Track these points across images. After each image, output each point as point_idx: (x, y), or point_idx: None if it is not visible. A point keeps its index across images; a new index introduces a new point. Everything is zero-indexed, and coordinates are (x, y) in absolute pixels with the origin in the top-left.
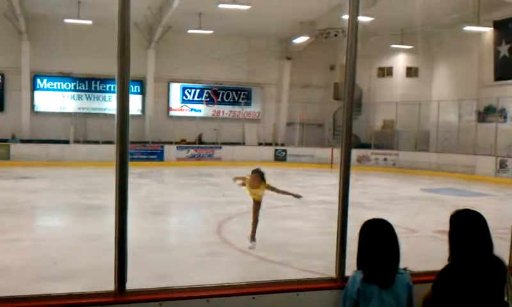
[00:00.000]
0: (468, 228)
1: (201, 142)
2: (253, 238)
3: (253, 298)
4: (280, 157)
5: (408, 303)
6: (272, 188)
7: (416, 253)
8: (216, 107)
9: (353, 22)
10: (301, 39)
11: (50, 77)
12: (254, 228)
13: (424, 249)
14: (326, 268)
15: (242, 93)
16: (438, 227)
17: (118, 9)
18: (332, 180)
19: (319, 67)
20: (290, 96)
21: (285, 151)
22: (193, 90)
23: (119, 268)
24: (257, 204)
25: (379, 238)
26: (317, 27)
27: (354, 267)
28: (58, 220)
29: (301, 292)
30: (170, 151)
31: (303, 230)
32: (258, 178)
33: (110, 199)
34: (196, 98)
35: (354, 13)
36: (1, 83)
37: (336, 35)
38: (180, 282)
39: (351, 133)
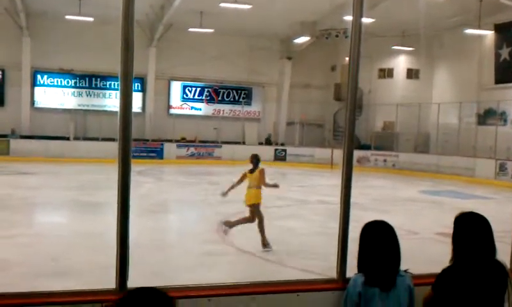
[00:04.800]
0: (472, 231)
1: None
2: (265, 243)
3: (253, 298)
4: (279, 157)
5: (409, 306)
6: (263, 176)
7: (417, 255)
8: (217, 106)
9: (357, 23)
10: (302, 40)
11: (51, 73)
12: (263, 232)
13: (424, 251)
14: (325, 268)
15: (243, 92)
16: (438, 229)
17: (122, 7)
18: (332, 181)
19: (319, 67)
20: (290, 96)
21: (284, 151)
22: (194, 88)
23: (120, 266)
24: (256, 208)
25: (380, 241)
26: (318, 27)
27: (354, 268)
28: (57, 217)
29: (302, 293)
30: (170, 149)
31: (302, 230)
32: (254, 158)
33: (109, 196)
34: (196, 97)
35: (358, 14)
36: (1, 79)
37: (337, 36)
38: (178, 281)
39: (353, 133)
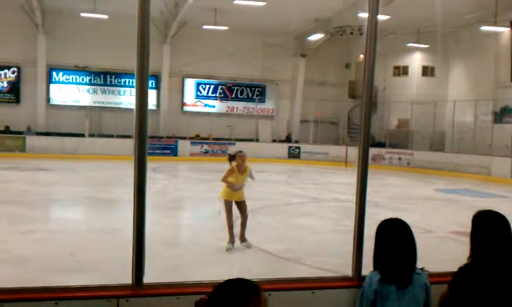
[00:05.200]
0: (490, 229)
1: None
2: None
3: (269, 294)
4: (293, 154)
5: (426, 304)
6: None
7: (432, 253)
8: (230, 103)
9: (373, 20)
10: (316, 37)
11: (66, 70)
12: (231, 230)
13: (439, 250)
14: (341, 266)
15: (257, 89)
16: (453, 228)
17: (137, 5)
18: (346, 178)
19: (333, 65)
20: (304, 93)
21: (298, 148)
22: (207, 86)
23: (137, 262)
24: (231, 205)
25: (396, 238)
26: (332, 24)
27: (369, 266)
28: (73, 213)
29: (317, 290)
30: (184, 146)
31: (317, 228)
32: (244, 156)
33: (124, 193)
34: (210, 94)
35: (374, 11)
36: (17, 76)
37: (352, 33)
38: (192, 277)
39: (369, 131)
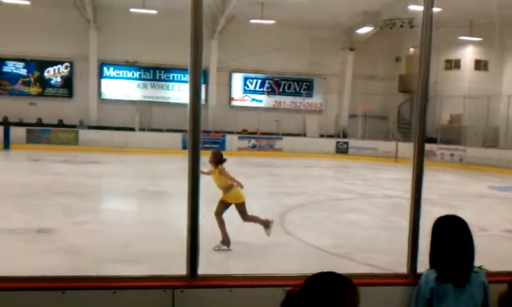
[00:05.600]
0: None
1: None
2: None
3: None
4: (341, 149)
5: (484, 303)
6: (225, 175)
7: (488, 252)
8: (278, 98)
9: (428, 13)
10: (364, 30)
11: (116, 65)
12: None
13: (495, 248)
14: (389, 263)
15: (304, 83)
16: (507, 226)
17: (190, 2)
18: (396, 174)
19: (383, 58)
20: (352, 87)
21: (346, 143)
22: (255, 80)
23: (191, 254)
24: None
25: (453, 236)
26: (381, 17)
27: (423, 264)
28: (123, 205)
29: (371, 287)
30: (232, 140)
31: (365, 224)
32: (212, 156)
33: (173, 186)
34: (257, 89)
35: (429, 3)
36: (70, 71)
37: (402, 26)
38: (239, 271)
39: (424, 126)
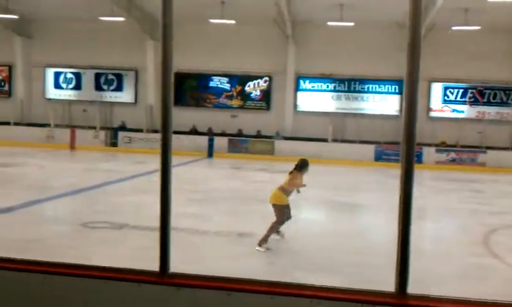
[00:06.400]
0: None
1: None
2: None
3: None
4: None
5: None
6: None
7: None
8: (481, 108)
9: None
10: None
11: (312, 78)
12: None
13: None
14: None
15: None
16: None
17: (409, 7)
18: None
19: None
20: None
21: None
22: (456, 90)
23: (401, 270)
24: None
25: None
26: None
27: None
28: (317, 215)
29: None
30: (429, 153)
31: None
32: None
33: (365, 198)
34: (458, 99)
35: None
36: (269, 84)
37: None
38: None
39: None
